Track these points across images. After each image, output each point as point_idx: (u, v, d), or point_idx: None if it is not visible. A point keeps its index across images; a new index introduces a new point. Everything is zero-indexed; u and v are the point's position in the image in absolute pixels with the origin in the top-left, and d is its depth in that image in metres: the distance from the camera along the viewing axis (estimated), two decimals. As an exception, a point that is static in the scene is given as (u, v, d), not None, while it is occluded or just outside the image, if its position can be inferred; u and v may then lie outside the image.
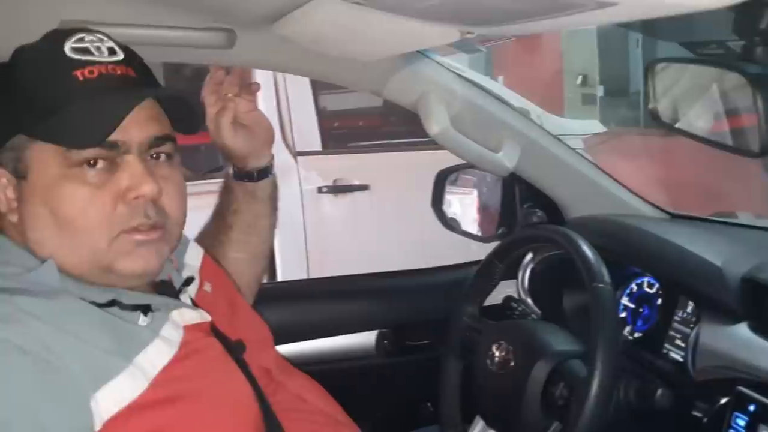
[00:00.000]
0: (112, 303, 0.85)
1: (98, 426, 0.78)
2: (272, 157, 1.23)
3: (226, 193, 1.25)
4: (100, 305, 0.84)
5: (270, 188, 1.24)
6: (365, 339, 1.65)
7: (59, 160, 0.84)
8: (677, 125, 1.37)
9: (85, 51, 0.86)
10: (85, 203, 0.85)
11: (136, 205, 0.86)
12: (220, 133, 1.15)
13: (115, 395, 0.79)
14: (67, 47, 0.86)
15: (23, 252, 0.86)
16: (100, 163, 0.85)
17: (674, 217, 1.53)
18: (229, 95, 1.14)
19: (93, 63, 0.86)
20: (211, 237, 1.25)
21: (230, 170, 1.23)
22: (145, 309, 0.87)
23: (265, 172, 1.22)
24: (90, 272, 0.87)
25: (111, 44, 0.89)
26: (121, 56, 0.89)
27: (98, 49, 0.87)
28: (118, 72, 0.87)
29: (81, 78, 0.85)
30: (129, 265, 0.87)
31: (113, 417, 0.78)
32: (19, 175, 0.86)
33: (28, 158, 0.85)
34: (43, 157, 0.85)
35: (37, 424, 0.75)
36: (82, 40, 0.87)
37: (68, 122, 0.84)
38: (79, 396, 0.77)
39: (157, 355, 0.84)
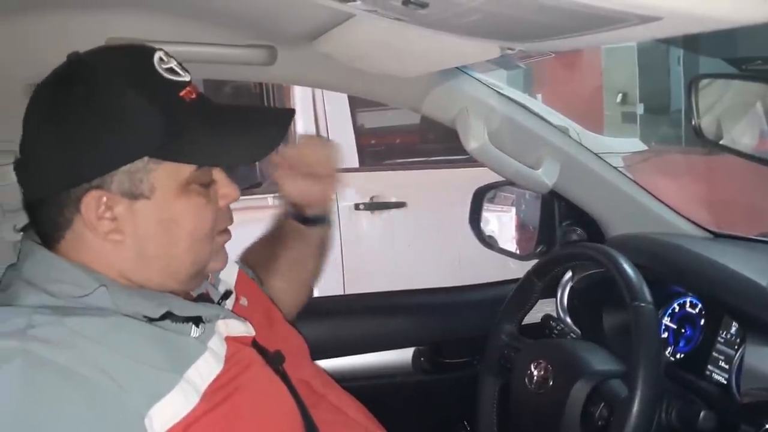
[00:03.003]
0: (164, 317, 0.86)
1: None
2: (331, 206, 1.25)
3: (278, 227, 1.26)
4: (152, 320, 0.85)
5: (323, 234, 1.26)
6: (401, 356, 1.65)
7: (185, 177, 0.89)
8: (721, 142, 1.35)
9: (173, 71, 0.90)
10: (204, 214, 0.92)
11: (224, 210, 0.96)
12: (291, 186, 1.18)
13: (168, 411, 0.79)
14: (159, 67, 0.88)
15: (78, 271, 0.86)
16: None
17: (717, 236, 1.50)
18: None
19: (186, 84, 0.90)
20: (256, 262, 1.26)
21: (285, 206, 1.24)
22: (197, 321, 0.88)
23: (321, 220, 1.24)
24: (182, 278, 0.93)
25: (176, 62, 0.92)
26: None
27: (179, 67, 0.91)
28: (200, 91, 0.92)
29: (188, 99, 0.89)
30: (217, 264, 0.97)
31: None
32: (137, 196, 0.87)
33: (154, 179, 0.87)
34: (171, 176, 0.88)
35: None
36: (162, 60, 0.89)
37: (221, 146, 0.90)
38: (134, 416, 0.77)
39: (206, 369, 0.85)
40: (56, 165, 0.85)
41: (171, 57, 0.91)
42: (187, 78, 0.91)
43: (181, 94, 0.89)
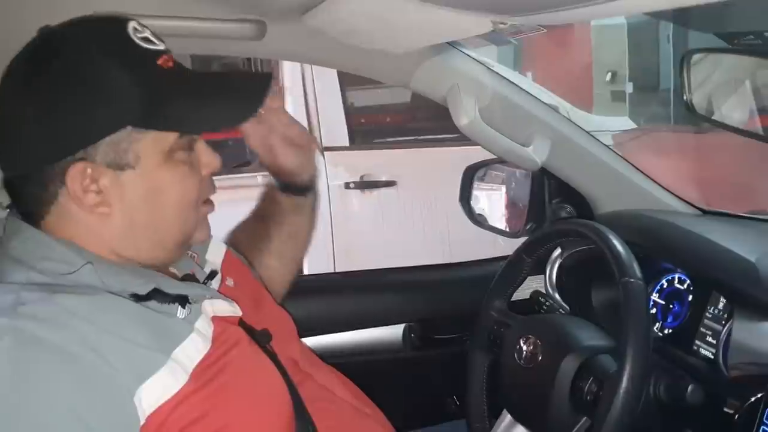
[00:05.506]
0: (150, 296, 0.86)
1: (142, 421, 0.78)
2: (316, 168, 1.24)
3: (270, 204, 1.25)
4: (139, 300, 0.85)
5: (315, 200, 1.26)
6: (392, 332, 1.65)
7: (169, 146, 0.89)
8: (712, 117, 1.35)
9: (148, 40, 0.89)
10: (189, 182, 0.92)
11: (207, 179, 0.96)
12: (274, 154, 1.15)
13: (156, 390, 0.79)
14: (134, 36, 0.88)
15: (66, 249, 0.86)
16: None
17: (706, 213, 1.51)
18: (275, 106, 1.14)
19: (162, 52, 0.90)
20: (249, 243, 1.25)
21: (275, 183, 1.23)
22: (183, 301, 0.88)
23: (312, 186, 1.23)
24: (169, 248, 0.93)
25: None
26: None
27: (154, 36, 0.90)
28: (176, 60, 0.92)
29: (165, 67, 0.89)
30: (201, 234, 0.97)
31: (155, 411, 0.79)
32: (122, 166, 0.86)
33: (138, 148, 0.87)
34: (155, 145, 0.88)
35: (84, 425, 0.75)
36: (137, 29, 0.89)
37: (202, 112, 0.90)
38: (123, 395, 0.77)
39: (192, 349, 0.85)
40: (39, 139, 0.85)
41: (145, 27, 0.90)
42: (162, 47, 0.90)
43: (159, 62, 0.88)
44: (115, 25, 0.89)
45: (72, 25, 0.90)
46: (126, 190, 0.87)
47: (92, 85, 0.84)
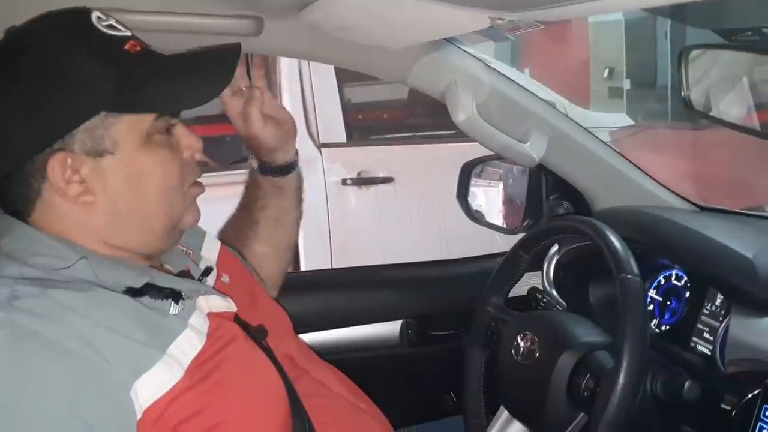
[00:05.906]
0: (144, 290, 0.86)
1: (139, 415, 0.79)
2: (297, 150, 1.24)
3: (252, 189, 1.25)
4: (133, 295, 0.85)
5: (297, 182, 1.25)
6: (389, 329, 1.65)
7: (146, 129, 0.89)
8: (710, 113, 1.35)
9: (113, 27, 0.90)
10: (170, 165, 0.92)
11: (190, 162, 0.96)
12: (250, 124, 1.14)
13: (152, 385, 0.79)
14: (98, 24, 0.88)
15: (59, 244, 0.86)
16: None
17: (703, 209, 1.51)
18: (257, 86, 1.14)
19: (128, 38, 0.90)
20: (236, 232, 1.26)
21: (255, 165, 1.22)
22: (176, 297, 0.88)
23: (293, 165, 1.23)
24: (159, 233, 0.93)
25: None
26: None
27: (119, 24, 0.91)
28: (144, 44, 0.92)
29: (133, 52, 0.89)
30: (191, 217, 0.97)
31: (151, 406, 0.79)
32: (101, 153, 0.87)
33: (116, 133, 0.87)
34: (131, 129, 0.88)
35: (82, 421, 0.75)
36: (101, 18, 0.90)
37: (175, 91, 0.90)
38: (119, 389, 0.78)
39: (187, 345, 0.85)
40: (15, 136, 0.85)
41: (109, 15, 0.91)
42: (128, 33, 0.91)
43: (126, 47, 0.89)
44: (78, 15, 0.90)
45: (37, 21, 0.90)
46: (107, 176, 0.88)
47: (63, 74, 0.85)
